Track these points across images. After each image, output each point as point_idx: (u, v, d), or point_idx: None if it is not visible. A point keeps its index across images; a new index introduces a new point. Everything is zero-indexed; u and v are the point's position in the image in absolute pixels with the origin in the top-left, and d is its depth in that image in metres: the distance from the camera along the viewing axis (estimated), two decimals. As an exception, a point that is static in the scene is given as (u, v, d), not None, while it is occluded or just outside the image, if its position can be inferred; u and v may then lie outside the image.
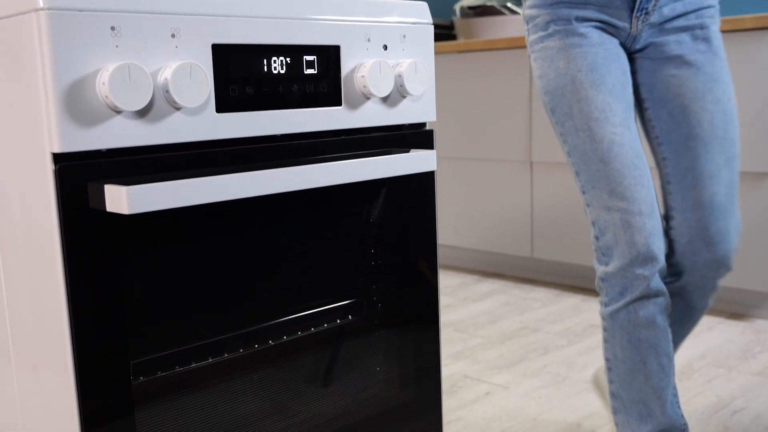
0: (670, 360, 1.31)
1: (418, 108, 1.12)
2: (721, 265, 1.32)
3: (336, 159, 1.01)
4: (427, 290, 1.24)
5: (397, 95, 1.10)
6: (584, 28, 1.26)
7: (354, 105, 1.05)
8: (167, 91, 0.86)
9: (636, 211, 1.22)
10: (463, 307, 3.15)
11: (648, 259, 1.23)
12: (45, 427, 0.93)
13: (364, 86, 1.04)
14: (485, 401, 2.30)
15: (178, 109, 0.88)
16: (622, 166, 1.22)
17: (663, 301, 1.27)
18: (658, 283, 1.26)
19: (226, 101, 0.92)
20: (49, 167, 0.82)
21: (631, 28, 1.28)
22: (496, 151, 3.27)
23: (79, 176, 0.83)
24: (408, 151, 1.12)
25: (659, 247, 1.25)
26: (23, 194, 0.87)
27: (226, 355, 0.98)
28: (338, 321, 1.13)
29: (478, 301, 3.17)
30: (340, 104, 1.04)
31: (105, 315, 0.87)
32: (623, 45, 1.31)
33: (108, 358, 0.87)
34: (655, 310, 1.27)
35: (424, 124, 1.17)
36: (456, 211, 3.59)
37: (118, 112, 0.85)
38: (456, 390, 2.39)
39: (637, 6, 1.26)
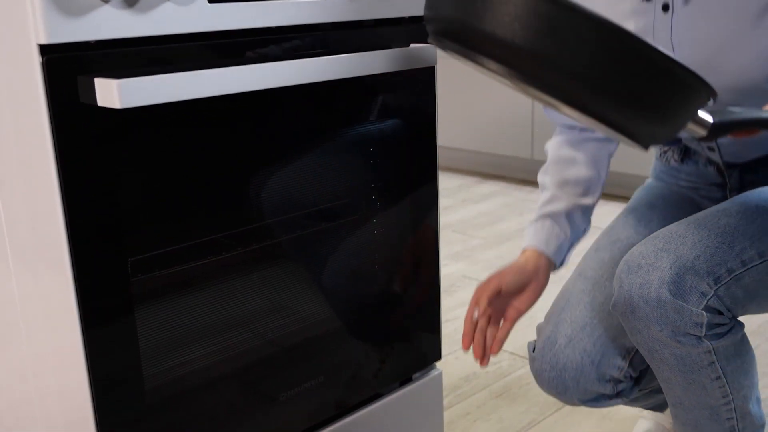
0: None
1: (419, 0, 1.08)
2: None
3: (334, 53, 0.98)
4: (427, 191, 1.23)
5: (397, -14, 1.06)
6: None
7: (352, -4, 1.02)
8: (157, -20, 0.82)
9: None
10: (463, 208, 3.15)
11: None
12: (46, 327, 0.93)
13: (363, -24, 1.00)
14: (483, 301, 2.33)
15: (168, -2, 0.85)
16: None
17: None
18: None
19: (219, -9, 0.89)
20: (36, 60, 0.80)
21: None
22: (498, 50, 3.21)
23: (67, 69, 0.81)
24: (408, 46, 1.09)
25: None
26: (11, 92, 0.85)
27: (224, 254, 0.98)
28: (336, 220, 1.12)
29: (478, 202, 3.17)
30: (337, -5, 1.00)
31: (101, 212, 0.85)
32: None
33: (105, 256, 0.86)
34: None
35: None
36: (456, 112, 3.55)
37: (106, 1, 0.81)
38: (454, 290, 2.41)
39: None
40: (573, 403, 1.23)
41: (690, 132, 0.84)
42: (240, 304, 1.02)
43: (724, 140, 1.16)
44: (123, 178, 0.87)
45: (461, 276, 2.51)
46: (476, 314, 1.21)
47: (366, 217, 1.16)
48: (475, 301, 1.21)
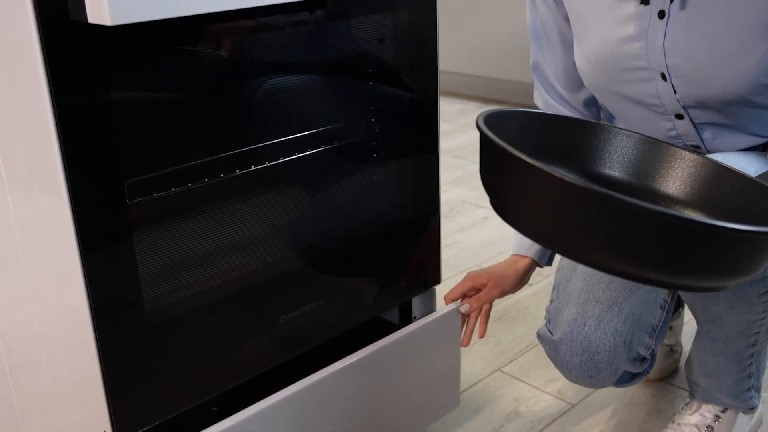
0: None
1: None
2: None
3: (332, -31, 0.95)
4: (427, 116, 1.21)
5: None
6: None
7: None
8: None
9: None
10: (463, 133, 3.12)
11: None
12: (44, 251, 0.93)
13: None
14: (483, 225, 2.33)
15: None
16: None
17: None
18: None
19: None
20: (24, -26, 0.77)
21: None
22: (500, -29, 3.14)
23: (56, -16, 0.78)
24: (409, -37, 1.05)
25: None
26: (-1, 7, 0.82)
27: (222, 176, 0.97)
28: (336, 143, 1.11)
29: (478, 127, 3.14)
30: None
31: (95, 133, 0.84)
32: None
33: (101, 178, 0.85)
34: None
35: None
36: (458, 36, 3.49)
37: None
38: (454, 215, 2.41)
39: None
40: (601, 386, 1.22)
41: None
42: (239, 228, 1.02)
43: (707, 134, 1.17)
44: (117, 98, 0.85)
45: (461, 201, 2.51)
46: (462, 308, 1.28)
47: (365, 141, 1.15)
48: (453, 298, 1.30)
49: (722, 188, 0.93)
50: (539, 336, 1.26)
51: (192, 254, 0.97)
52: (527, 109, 0.97)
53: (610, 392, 1.49)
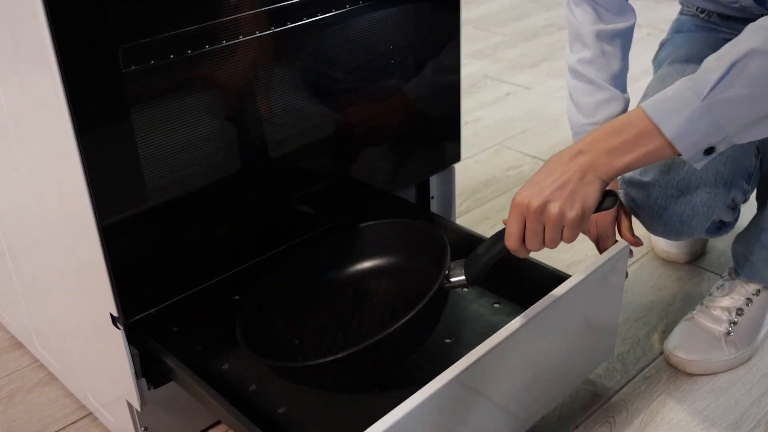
0: None
1: None
2: None
3: None
4: (448, -21, 1.14)
5: None
6: None
7: None
8: None
9: None
10: (485, 3, 3.00)
11: None
12: (38, 130, 0.90)
13: None
14: (505, 102, 2.27)
15: None
16: None
17: None
18: None
19: None
20: None
21: None
22: None
23: None
24: None
25: None
26: None
27: (224, 42, 0.91)
28: (348, 6, 1.04)
29: (502, -4, 3.02)
30: None
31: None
32: None
33: (92, 43, 0.80)
34: None
35: None
36: None
37: None
38: (475, 90, 2.35)
39: None
40: (689, 235, 1.15)
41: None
42: (244, 102, 0.97)
43: None
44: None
45: (482, 76, 2.44)
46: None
47: (381, 5, 1.08)
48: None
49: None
50: (624, 181, 1.20)
51: (194, 129, 0.93)
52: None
53: (634, 274, 1.48)
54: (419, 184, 1.32)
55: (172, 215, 0.94)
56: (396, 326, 0.92)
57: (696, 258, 1.52)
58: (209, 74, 0.92)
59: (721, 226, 1.21)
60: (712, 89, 0.83)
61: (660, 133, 0.85)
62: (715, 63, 0.85)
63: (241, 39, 0.93)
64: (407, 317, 0.92)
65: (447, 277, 0.97)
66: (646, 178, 1.14)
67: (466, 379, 0.87)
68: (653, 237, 1.55)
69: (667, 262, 1.51)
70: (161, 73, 0.87)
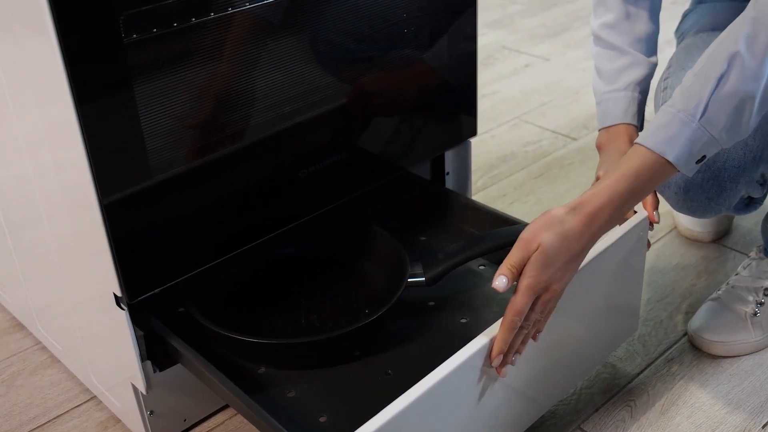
0: None
1: None
2: None
3: None
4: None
5: None
6: None
7: None
8: None
9: None
10: (502, -29, 2.97)
11: None
12: (36, 102, 0.89)
13: None
14: (524, 73, 2.25)
15: None
16: None
17: None
18: None
19: None
20: None
21: None
22: None
23: None
24: None
25: None
26: None
27: (230, 9, 0.90)
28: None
29: (520, -36, 2.99)
30: None
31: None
32: None
33: (92, 10, 0.78)
34: None
35: None
36: None
37: None
38: (492, 62, 2.33)
39: None
40: (716, 212, 1.14)
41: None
42: (251, 73, 0.96)
43: None
44: None
45: (500, 47, 2.41)
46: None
47: (394, -28, 1.06)
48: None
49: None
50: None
51: (199, 101, 0.92)
52: None
53: (657, 253, 1.46)
54: (434, 160, 1.30)
55: (177, 190, 0.93)
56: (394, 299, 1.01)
57: (721, 237, 1.50)
58: (214, 43, 0.90)
59: (749, 203, 1.19)
60: (705, 109, 0.88)
61: (666, 161, 0.89)
62: (699, 79, 0.90)
63: (248, 6, 0.91)
64: (394, 299, 1.01)
65: (409, 276, 1.04)
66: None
67: (481, 360, 0.86)
68: (676, 215, 1.53)
69: (691, 240, 1.50)
70: (164, 42, 0.85)
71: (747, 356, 1.22)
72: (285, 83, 1.00)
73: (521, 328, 0.87)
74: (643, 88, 1.17)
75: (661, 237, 1.51)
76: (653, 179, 0.90)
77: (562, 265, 0.86)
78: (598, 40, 1.20)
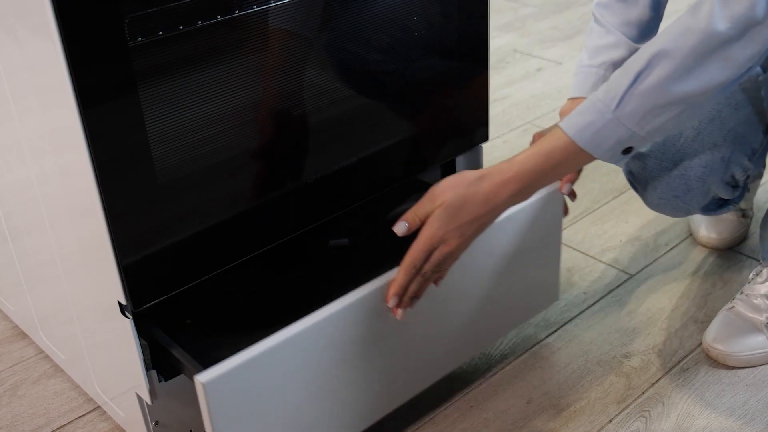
0: None
1: None
2: None
3: None
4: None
5: None
6: None
7: None
8: None
9: None
10: (513, -27, 2.97)
11: None
12: (39, 106, 0.89)
13: None
14: (535, 77, 2.24)
15: None
16: None
17: None
18: None
19: None
20: None
21: None
22: None
23: None
24: None
25: None
26: None
27: (237, 12, 0.90)
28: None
29: (531, -34, 2.99)
30: None
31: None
32: None
33: (97, 13, 0.78)
34: None
35: None
36: None
37: None
38: (503, 66, 2.32)
39: None
40: (686, 212, 1.17)
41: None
42: (258, 76, 0.96)
43: None
44: None
45: (511, 50, 2.41)
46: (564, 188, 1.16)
47: (404, -25, 1.06)
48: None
49: None
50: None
51: (206, 107, 0.91)
52: None
53: (672, 261, 1.45)
54: (444, 166, 1.30)
55: (183, 197, 0.93)
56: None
57: (737, 244, 1.49)
58: (221, 46, 0.90)
59: (722, 204, 1.20)
60: (620, 102, 0.89)
61: (578, 147, 0.91)
62: (621, 72, 0.91)
63: (255, 9, 0.91)
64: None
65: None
66: (643, 149, 1.14)
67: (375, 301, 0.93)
68: (692, 222, 1.52)
69: (707, 248, 1.49)
70: (170, 46, 0.85)
71: (763, 366, 1.21)
72: (293, 87, 1.00)
73: (418, 274, 0.94)
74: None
75: (676, 244, 1.50)
76: (564, 162, 0.93)
77: (462, 224, 0.92)
78: (593, 17, 1.23)
